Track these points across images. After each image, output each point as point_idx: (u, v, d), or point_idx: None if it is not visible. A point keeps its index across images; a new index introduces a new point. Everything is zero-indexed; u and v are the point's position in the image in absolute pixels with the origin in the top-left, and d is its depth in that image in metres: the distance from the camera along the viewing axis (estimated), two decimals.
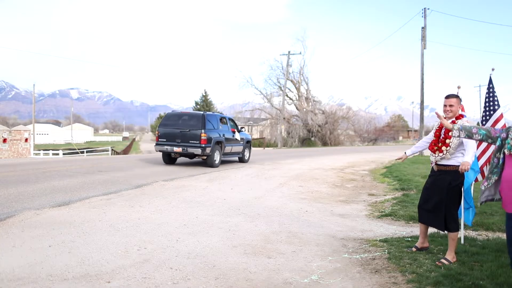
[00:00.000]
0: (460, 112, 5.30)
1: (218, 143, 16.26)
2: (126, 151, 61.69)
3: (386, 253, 5.47)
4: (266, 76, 63.10)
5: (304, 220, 7.64)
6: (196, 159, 17.30)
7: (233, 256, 5.26)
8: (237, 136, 17.99)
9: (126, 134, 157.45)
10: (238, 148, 18.21)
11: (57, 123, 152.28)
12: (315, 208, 8.97)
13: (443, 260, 5.00)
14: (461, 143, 5.08)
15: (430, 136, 5.55)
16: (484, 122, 6.00)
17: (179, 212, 7.82)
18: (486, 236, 6.54)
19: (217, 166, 16.11)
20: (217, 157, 16.19)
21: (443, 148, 5.15)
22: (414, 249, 5.53)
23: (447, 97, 5.28)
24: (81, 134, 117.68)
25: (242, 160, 18.76)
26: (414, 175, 14.32)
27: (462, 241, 5.86)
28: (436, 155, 5.24)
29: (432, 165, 5.36)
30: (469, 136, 4.25)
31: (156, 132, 16.51)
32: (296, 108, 58.61)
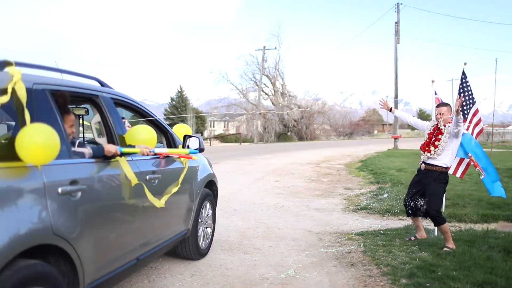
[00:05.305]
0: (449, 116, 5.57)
1: None
2: None
3: (361, 246, 5.52)
4: (241, 72, 62.71)
5: (281, 215, 7.65)
6: None
7: (209, 253, 5.22)
8: None
9: None
10: None
11: None
12: (292, 202, 8.99)
13: (445, 248, 5.21)
14: (448, 147, 5.40)
15: (421, 126, 5.90)
16: (466, 116, 6.17)
17: None
18: (459, 227, 6.66)
19: None
20: None
21: (432, 148, 5.46)
22: (413, 238, 5.77)
23: (438, 106, 5.65)
24: None
25: None
26: (389, 169, 14.48)
27: (436, 233, 5.95)
28: (425, 155, 5.53)
29: (420, 163, 5.64)
30: None
31: None
32: (272, 103, 58.64)
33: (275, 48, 53.50)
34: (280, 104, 57.16)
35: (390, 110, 6.12)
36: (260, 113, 52.09)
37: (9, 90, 2.38)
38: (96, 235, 2.90)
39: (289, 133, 57.84)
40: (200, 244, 4.95)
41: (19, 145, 2.31)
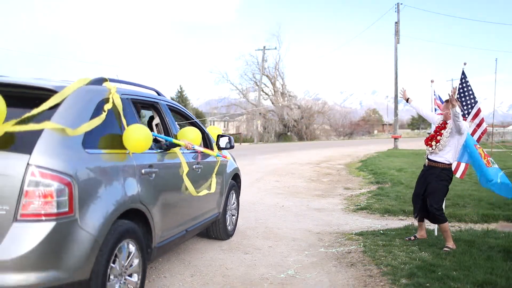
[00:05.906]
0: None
1: None
2: None
3: (361, 246, 5.51)
4: (241, 72, 62.14)
5: (281, 215, 7.65)
6: None
7: (209, 252, 5.23)
8: None
9: None
10: None
11: None
12: (292, 202, 8.99)
13: (445, 248, 5.21)
14: (450, 143, 5.36)
15: (431, 119, 5.91)
16: (467, 115, 6.16)
17: None
18: (459, 227, 6.66)
19: None
20: None
21: (433, 143, 5.45)
22: (413, 237, 5.76)
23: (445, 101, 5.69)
24: None
25: None
26: (389, 169, 14.48)
27: (436, 233, 5.95)
28: (427, 148, 5.55)
29: (425, 159, 5.66)
30: None
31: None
32: (272, 103, 58.57)
33: (275, 48, 53.45)
34: (280, 104, 57.11)
35: (407, 101, 6.28)
36: (260, 113, 52.12)
37: (111, 100, 3.23)
38: (163, 207, 3.80)
39: (289, 133, 57.79)
40: (227, 226, 5.79)
41: (127, 139, 3.26)
